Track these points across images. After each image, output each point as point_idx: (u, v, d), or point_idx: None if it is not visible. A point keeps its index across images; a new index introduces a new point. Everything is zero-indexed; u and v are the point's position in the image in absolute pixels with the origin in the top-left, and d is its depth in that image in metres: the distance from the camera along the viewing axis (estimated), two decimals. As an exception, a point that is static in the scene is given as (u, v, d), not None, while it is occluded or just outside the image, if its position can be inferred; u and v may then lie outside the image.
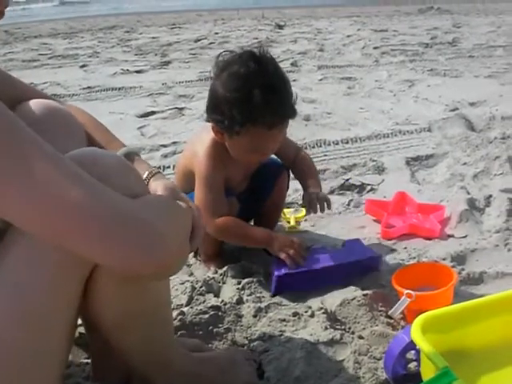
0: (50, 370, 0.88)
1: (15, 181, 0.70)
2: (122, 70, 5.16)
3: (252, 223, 1.94)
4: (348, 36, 6.95)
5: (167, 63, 5.51)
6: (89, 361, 1.31)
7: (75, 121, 1.10)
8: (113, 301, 0.94)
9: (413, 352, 1.25)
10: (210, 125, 1.67)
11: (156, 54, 6.03)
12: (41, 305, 0.83)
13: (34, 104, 1.06)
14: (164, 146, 3.01)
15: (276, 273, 1.62)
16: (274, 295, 1.62)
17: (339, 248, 1.82)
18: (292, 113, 1.60)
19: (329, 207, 1.77)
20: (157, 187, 1.07)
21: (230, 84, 1.55)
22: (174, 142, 3.05)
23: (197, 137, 1.82)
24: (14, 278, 0.82)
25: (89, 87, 4.48)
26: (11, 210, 0.72)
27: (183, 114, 3.67)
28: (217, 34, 7.59)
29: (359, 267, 1.69)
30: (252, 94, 1.51)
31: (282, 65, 1.69)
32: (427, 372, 1.12)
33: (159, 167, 2.64)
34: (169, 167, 2.72)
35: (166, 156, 2.87)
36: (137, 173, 0.97)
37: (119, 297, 0.94)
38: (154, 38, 7.40)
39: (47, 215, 0.73)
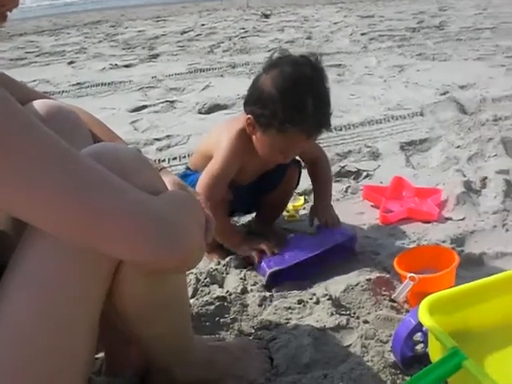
0: (75, 368, 0.88)
1: (42, 184, 0.70)
2: (111, 64, 5.13)
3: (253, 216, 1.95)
4: (335, 23, 6.93)
5: (155, 56, 5.48)
6: (99, 356, 1.31)
7: (80, 119, 1.10)
8: (138, 293, 0.94)
9: (419, 334, 1.27)
10: (239, 118, 1.67)
11: (144, 48, 5.99)
12: (67, 302, 0.83)
13: (38, 104, 1.05)
14: (158, 139, 3.00)
15: (267, 269, 1.62)
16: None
17: (314, 234, 1.82)
18: (329, 125, 1.61)
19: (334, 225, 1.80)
20: (166, 183, 1.07)
21: (281, 83, 1.53)
22: (168, 136, 3.04)
23: (225, 125, 1.78)
24: (39, 276, 0.82)
25: (78, 83, 4.45)
26: (38, 214, 0.72)
27: (175, 107, 3.66)
28: (203, 25, 7.55)
29: (339, 250, 1.72)
30: (305, 102, 1.50)
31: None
32: (435, 353, 1.14)
33: (155, 161, 2.64)
34: (164, 161, 2.72)
35: (160, 150, 2.87)
36: (153, 167, 0.97)
37: (144, 289, 0.94)
38: (140, 31, 7.35)
39: (73, 217, 0.73)
